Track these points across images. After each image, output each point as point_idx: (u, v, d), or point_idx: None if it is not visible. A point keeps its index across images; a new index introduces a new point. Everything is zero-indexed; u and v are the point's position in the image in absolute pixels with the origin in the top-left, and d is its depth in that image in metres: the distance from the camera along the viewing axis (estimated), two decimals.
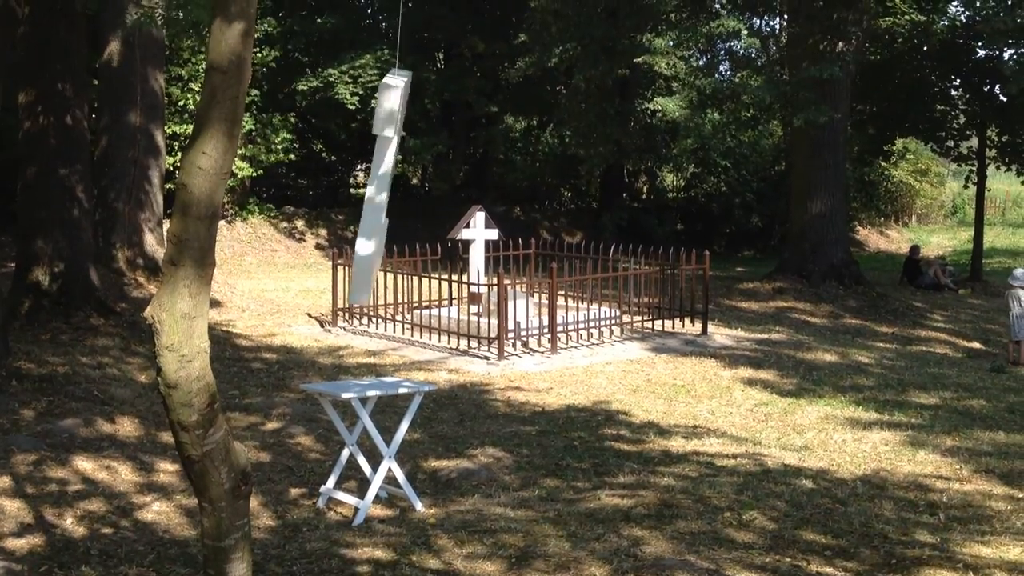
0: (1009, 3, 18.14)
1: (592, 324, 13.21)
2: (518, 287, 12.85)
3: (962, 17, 21.39)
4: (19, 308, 11.00)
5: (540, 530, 5.98)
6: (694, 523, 6.16)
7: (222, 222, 22.04)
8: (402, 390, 6.76)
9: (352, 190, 31.07)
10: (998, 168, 24.13)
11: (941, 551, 5.77)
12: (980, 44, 21.25)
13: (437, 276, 13.55)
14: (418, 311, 13.54)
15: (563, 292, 13.76)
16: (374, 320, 13.89)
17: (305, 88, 24.12)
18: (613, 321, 13.52)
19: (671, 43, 21.39)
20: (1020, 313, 13.94)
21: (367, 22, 27.91)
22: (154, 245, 15.29)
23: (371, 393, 6.49)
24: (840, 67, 17.69)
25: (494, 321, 12.19)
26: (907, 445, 8.45)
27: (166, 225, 12.93)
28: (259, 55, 22.39)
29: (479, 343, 12.36)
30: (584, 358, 12.16)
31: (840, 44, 18.48)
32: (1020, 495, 7.07)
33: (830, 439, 8.62)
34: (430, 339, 12.92)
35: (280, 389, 10.05)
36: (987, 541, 6.00)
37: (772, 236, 28.83)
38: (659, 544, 5.76)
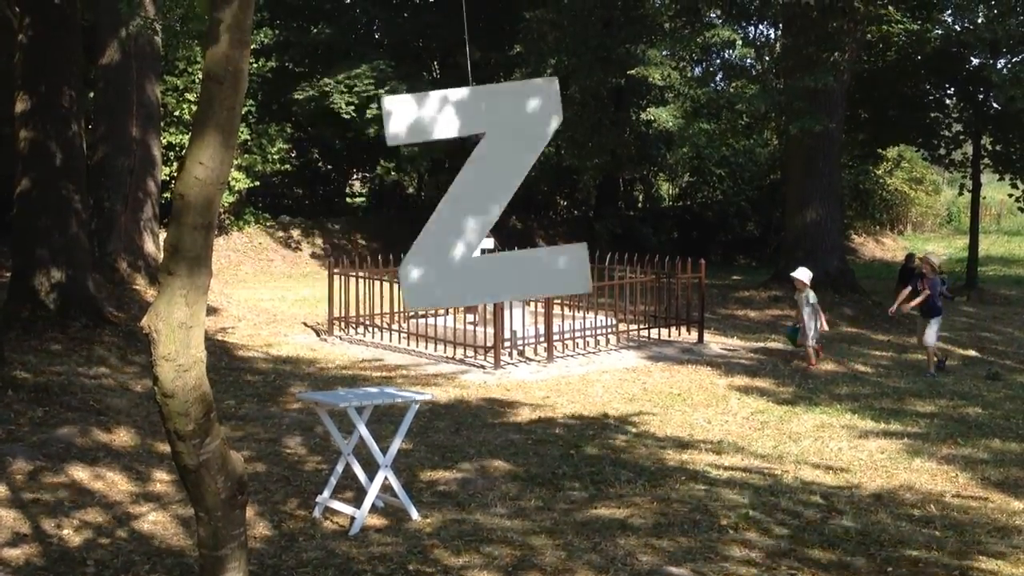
0: (996, 12, 18.22)
1: (588, 333, 13.22)
2: None
3: (956, 27, 21.46)
4: (16, 318, 10.99)
5: (536, 540, 5.98)
6: (690, 533, 6.16)
7: (218, 232, 22.06)
8: (398, 400, 6.76)
9: (348, 199, 31.11)
10: (994, 174, 24.19)
11: (937, 560, 5.77)
12: (974, 53, 21.32)
13: None
14: (414, 320, 13.54)
15: (559, 301, 13.77)
16: (370, 329, 13.89)
17: (301, 98, 24.17)
18: (609, 330, 13.54)
19: (665, 52, 21.45)
20: (811, 314, 12.74)
21: (362, 32, 27.97)
22: (150, 254, 15.30)
23: (367, 402, 6.49)
24: (834, 76, 17.74)
25: (490, 330, 12.19)
26: (903, 453, 8.45)
27: (163, 234, 12.92)
28: (255, 65, 22.45)
29: (475, 352, 12.36)
30: (580, 367, 12.17)
31: (835, 53, 18.54)
32: (1016, 503, 7.08)
33: (826, 447, 8.62)
34: (426, 348, 12.92)
35: (276, 398, 10.04)
36: (983, 550, 6.01)
37: (767, 244, 28.90)
38: (654, 554, 5.76)
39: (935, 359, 12.83)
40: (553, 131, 3.17)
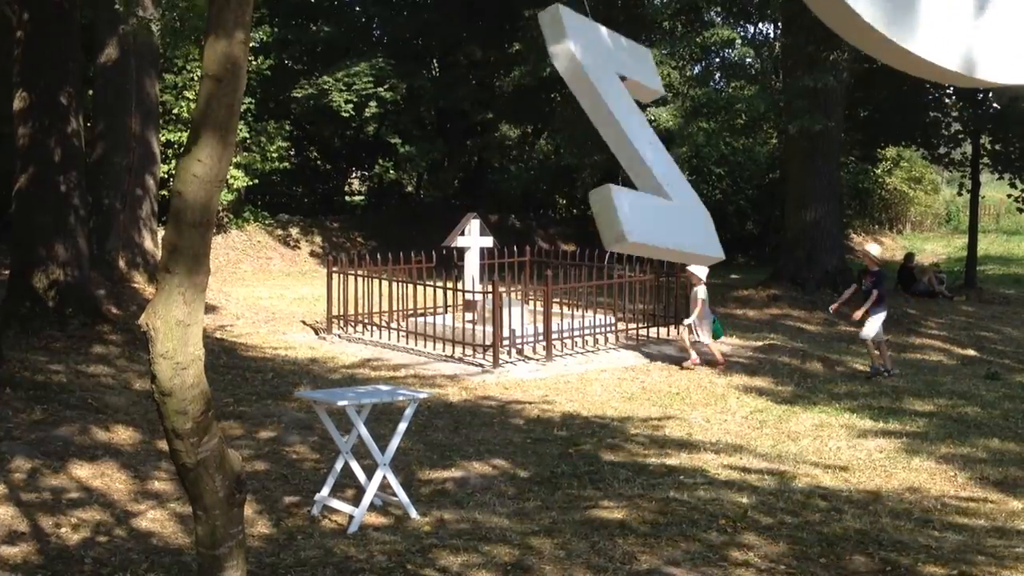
0: None
1: (587, 332, 13.21)
2: (513, 294, 12.85)
3: None
4: (14, 315, 10.98)
5: (534, 540, 5.97)
6: (688, 533, 6.15)
7: (216, 230, 22.06)
8: (397, 398, 6.75)
9: (347, 197, 31.09)
10: (992, 173, 24.19)
11: (936, 558, 5.77)
12: None
13: (432, 283, 13.53)
14: (413, 318, 13.53)
15: (558, 300, 13.76)
16: (369, 328, 13.87)
17: (300, 96, 24.15)
18: (608, 328, 13.53)
19: (665, 52, 21.42)
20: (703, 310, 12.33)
21: (361, 30, 27.96)
22: (149, 252, 15.28)
23: (366, 401, 6.48)
24: (834, 76, 17.73)
25: (489, 328, 12.18)
26: (902, 452, 8.45)
27: (161, 232, 12.90)
28: (254, 63, 22.44)
29: (474, 351, 12.36)
30: (579, 365, 12.16)
31: (834, 53, 18.53)
32: (1014, 502, 7.08)
33: (825, 446, 8.62)
34: (425, 347, 12.91)
35: (275, 397, 10.03)
36: (981, 548, 6.01)
37: (767, 243, 28.88)
38: (653, 554, 5.75)
39: (876, 354, 12.23)
40: (559, 65, 2.99)
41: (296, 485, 7.18)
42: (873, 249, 12.69)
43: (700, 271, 12.39)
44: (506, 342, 12.24)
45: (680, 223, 2.85)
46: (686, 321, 12.51)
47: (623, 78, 3.07)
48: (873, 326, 12.03)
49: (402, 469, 7.41)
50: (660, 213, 2.84)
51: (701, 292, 12.42)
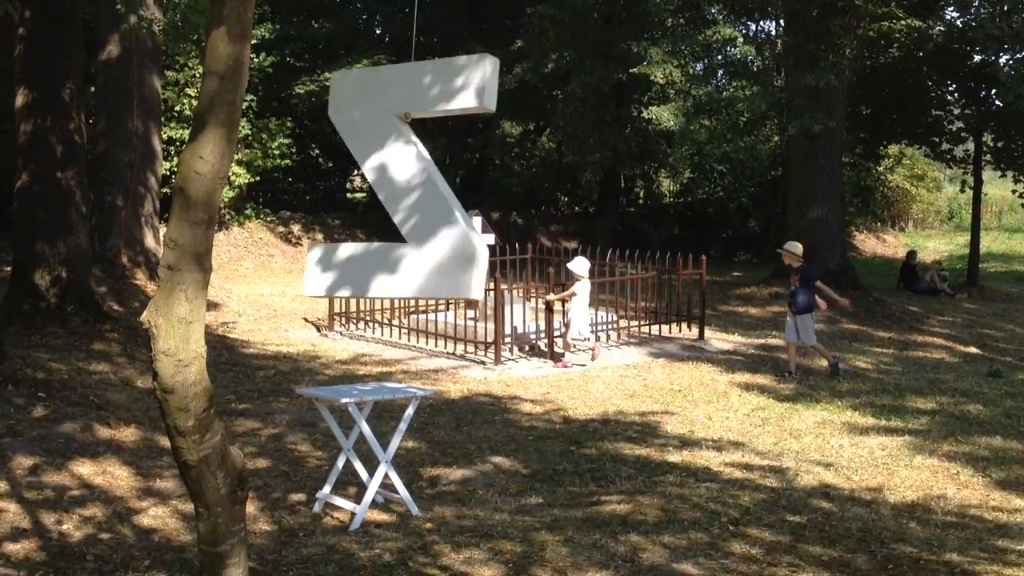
0: (1005, 9, 18.18)
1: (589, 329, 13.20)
2: (515, 292, 12.85)
3: (958, 23, 21.42)
4: (16, 312, 10.98)
5: (537, 536, 5.97)
6: (691, 530, 6.15)
7: (218, 227, 22.06)
8: (399, 395, 6.75)
9: (348, 195, 31.08)
10: (995, 170, 24.18)
11: (938, 557, 5.77)
12: (976, 50, 21.29)
13: None
14: (415, 316, 13.53)
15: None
16: (370, 325, 13.88)
17: (302, 92, 24.14)
18: (610, 326, 13.53)
19: (666, 50, 21.42)
20: (576, 306, 12.06)
21: (362, 27, 27.95)
22: (151, 249, 15.28)
23: (368, 398, 6.47)
24: (836, 74, 17.71)
25: (491, 326, 12.18)
26: (904, 450, 8.45)
27: (163, 229, 12.89)
28: (256, 60, 22.43)
29: (476, 348, 12.36)
30: (581, 363, 12.15)
31: (836, 51, 18.51)
32: (1017, 500, 7.07)
33: (827, 444, 8.62)
34: (427, 344, 12.91)
35: (277, 394, 10.03)
36: (984, 547, 6.00)
37: (768, 241, 28.88)
38: (656, 551, 5.75)
39: (831, 354, 12.21)
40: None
41: (298, 482, 7.18)
42: (792, 246, 12.09)
43: (580, 267, 12.11)
44: (508, 339, 12.24)
45: (402, 270, 3.57)
46: (572, 328, 12.06)
47: (406, 114, 3.56)
48: (809, 329, 11.88)
49: (404, 466, 7.42)
50: (360, 266, 3.61)
51: (578, 287, 12.09)
